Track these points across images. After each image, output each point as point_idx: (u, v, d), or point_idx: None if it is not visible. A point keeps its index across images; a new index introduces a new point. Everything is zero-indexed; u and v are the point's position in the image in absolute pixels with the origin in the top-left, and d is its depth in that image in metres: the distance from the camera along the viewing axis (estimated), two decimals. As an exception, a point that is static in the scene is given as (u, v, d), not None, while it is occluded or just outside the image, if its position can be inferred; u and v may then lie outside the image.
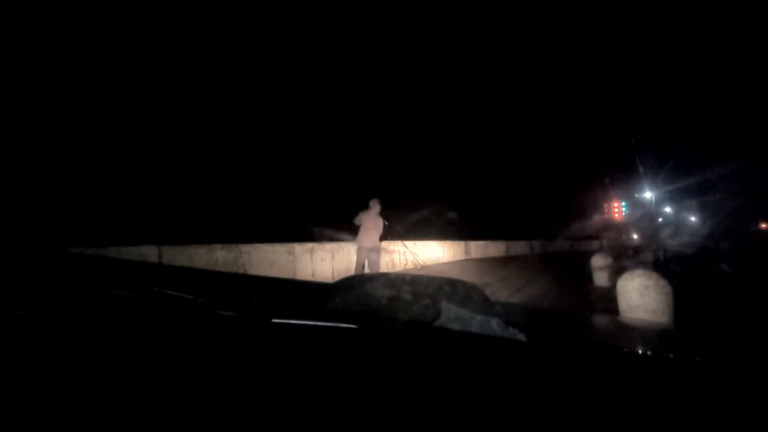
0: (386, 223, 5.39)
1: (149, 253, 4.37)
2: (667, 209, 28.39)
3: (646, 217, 20.54)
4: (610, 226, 21.00)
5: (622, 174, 21.90)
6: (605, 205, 21.31)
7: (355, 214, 5.39)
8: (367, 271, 5.23)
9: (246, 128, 10.79)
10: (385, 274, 1.22)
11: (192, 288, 0.95)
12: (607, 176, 21.78)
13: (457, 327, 0.72)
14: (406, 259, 8.44)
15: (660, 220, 24.67)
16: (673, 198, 26.84)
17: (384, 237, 5.46)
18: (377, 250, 5.40)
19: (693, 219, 30.46)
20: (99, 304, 0.76)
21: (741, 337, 1.01)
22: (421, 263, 7.75)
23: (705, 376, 0.65)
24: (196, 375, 0.59)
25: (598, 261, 6.61)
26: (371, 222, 5.30)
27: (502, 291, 5.88)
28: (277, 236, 6.11)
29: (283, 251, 6.01)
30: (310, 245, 6.46)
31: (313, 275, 6.25)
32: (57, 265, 1.11)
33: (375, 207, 5.35)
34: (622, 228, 21.08)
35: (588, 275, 6.66)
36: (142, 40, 9.34)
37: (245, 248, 5.40)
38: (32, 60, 7.54)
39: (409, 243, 7.90)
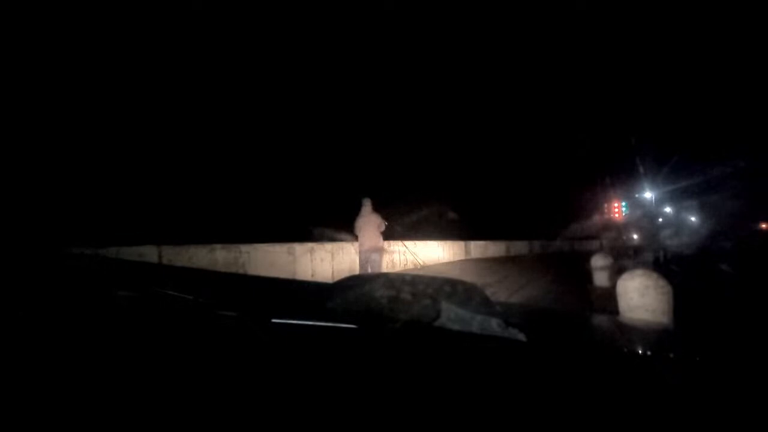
0: (386, 223, 5.35)
1: (149, 253, 4.37)
2: (667, 209, 28.28)
3: (646, 217, 20.53)
4: (610, 226, 20.97)
5: (622, 174, 21.92)
6: (605, 205, 21.30)
7: (355, 214, 5.36)
8: (369, 271, 5.20)
9: (246, 128, 10.79)
10: (385, 274, 1.22)
11: (192, 288, 0.95)
12: (607, 176, 21.81)
13: (457, 327, 0.72)
14: (406, 259, 8.43)
15: (660, 220, 24.63)
16: (673, 198, 26.71)
17: (384, 237, 5.43)
18: (378, 251, 5.36)
19: (693, 219, 30.34)
20: (99, 304, 0.76)
21: (741, 337, 1.01)
22: (421, 263, 7.73)
23: (705, 376, 0.64)
24: (197, 374, 0.59)
25: (598, 261, 6.58)
26: (368, 223, 5.28)
27: (502, 291, 5.87)
28: (277, 236, 6.10)
29: (283, 251, 6.01)
30: (310, 245, 6.45)
31: (313, 275, 6.24)
32: (57, 265, 1.11)
33: (367, 206, 5.28)
34: (622, 228, 21.05)
35: (588, 275, 6.64)
36: (143, 41, 9.35)
37: (245, 248, 5.39)
38: (33, 60, 7.54)
39: (409, 243, 7.89)
